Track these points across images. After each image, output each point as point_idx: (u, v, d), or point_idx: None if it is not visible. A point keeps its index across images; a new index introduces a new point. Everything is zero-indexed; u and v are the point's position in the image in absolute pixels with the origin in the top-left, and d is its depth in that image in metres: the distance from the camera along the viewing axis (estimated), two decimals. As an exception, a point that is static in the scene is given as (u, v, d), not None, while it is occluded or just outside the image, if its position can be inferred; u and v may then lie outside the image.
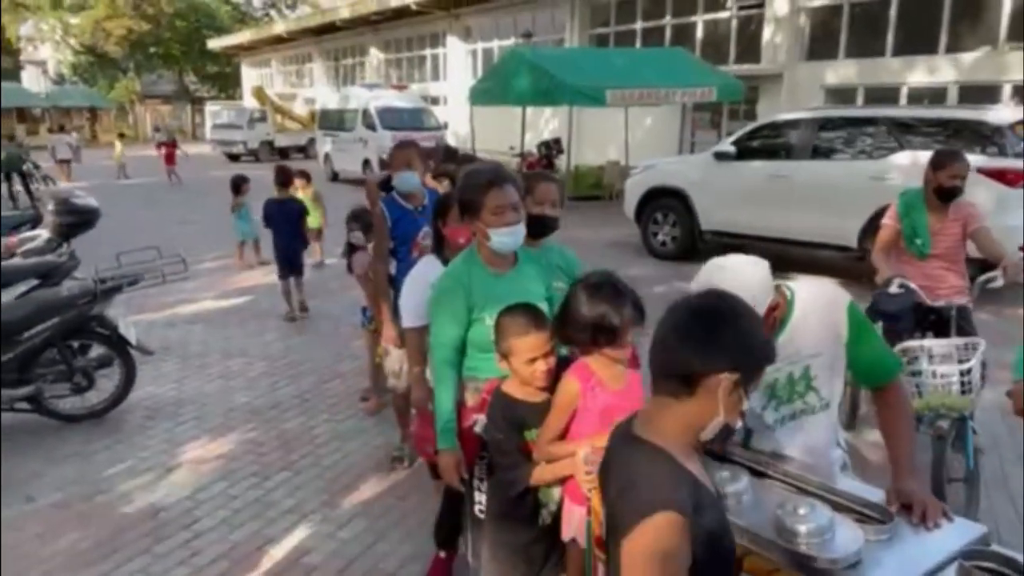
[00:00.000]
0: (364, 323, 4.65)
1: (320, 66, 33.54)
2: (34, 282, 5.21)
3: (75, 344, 4.63)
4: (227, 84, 45.70)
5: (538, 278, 2.70)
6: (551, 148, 15.65)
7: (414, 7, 23.00)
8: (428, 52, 26.13)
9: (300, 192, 8.74)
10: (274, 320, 7.11)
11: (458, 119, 22.41)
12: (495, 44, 22.39)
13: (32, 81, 44.45)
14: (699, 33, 16.81)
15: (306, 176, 9.07)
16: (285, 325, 6.94)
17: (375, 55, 28.94)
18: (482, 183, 2.45)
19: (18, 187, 15.74)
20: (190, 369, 5.73)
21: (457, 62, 24.22)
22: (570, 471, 2.15)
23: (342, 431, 4.62)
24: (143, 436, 4.54)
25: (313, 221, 8.95)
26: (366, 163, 18.38)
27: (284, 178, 7.40)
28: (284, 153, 27.33)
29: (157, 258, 4.88)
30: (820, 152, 8.35)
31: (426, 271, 3.13)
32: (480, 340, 2.51)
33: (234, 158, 26.98)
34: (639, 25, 18.07)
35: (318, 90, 31.82)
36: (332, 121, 20.57)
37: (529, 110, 15.51)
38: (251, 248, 9.49)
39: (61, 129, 21.65)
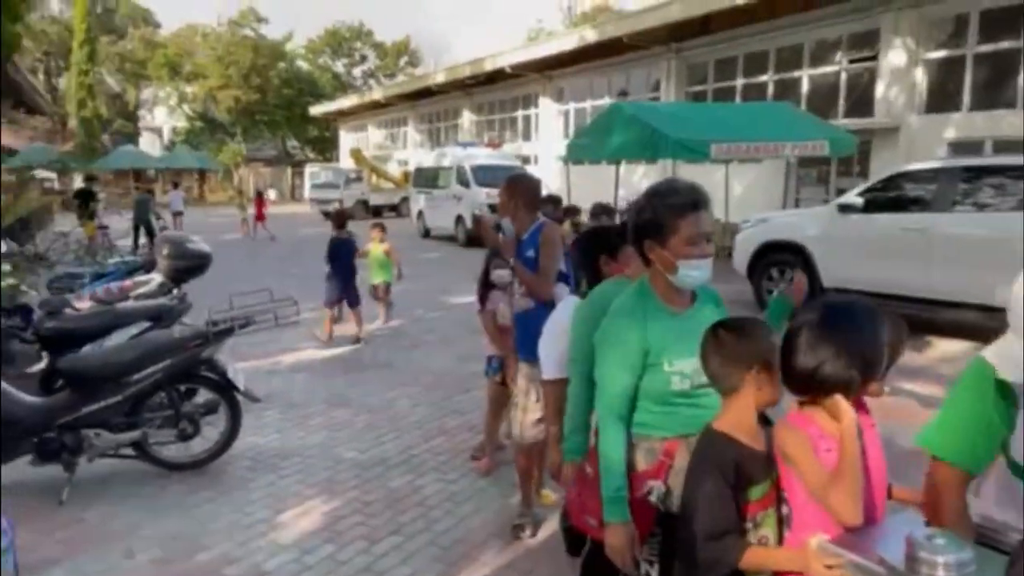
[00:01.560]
0: (489, 372, 4.28)
1: (414, 129, 34.63)
2: (146, 324, 5.14)
3: (182, 388, 4.46)
4: (325, 147, 47.88)
5: (717, 319, 2.28)
6: (649, 204, 15.20)
7: (508, 71, 23.47)
8: (520, 113, 26.50)
9: (375, 245, 8.58)
10: (375, 371, 6.88)
11: (550, 177, 22.46)
12: (588, 104, 22.44)
13: (148, 145, 47.78)
14: (804, 87, 16.26)
15: (381, 228, 8.85)
16: (388, 376, 6.68)
17: (468, 117, 29.61)
18: (681, 204, 2.05)
19: (143, 239, 16.69)
20: (293, 419, 5.49)
21: (549, 122, 24.41)
22: (798, 567, 1.66)
23: (454, 492, 4.21)
24: (245, 490, 4.27)
25: (379, 275, 8.67)
26: (459, 220, 18.51)
27: (340, 220, 8.39)
28: (377, 211, 28.06)
29: (269, 300, 4.71)
30: (963, 203, 7.62)
31: (568, 315, 2.76)
32: (657, 390, 2.08)
33: (329, 216, 27.79)
34: (739, 82, 17.68)
35: (412, 151, 32.80)
36: (426, 179, 20.94)
37: (623, 167, 15.24)
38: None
39: (175, 187, 23.34)
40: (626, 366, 2.09)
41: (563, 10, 51.32)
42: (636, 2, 27.08)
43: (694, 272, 2.07)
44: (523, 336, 3.51)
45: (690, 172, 15.94)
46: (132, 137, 46.48)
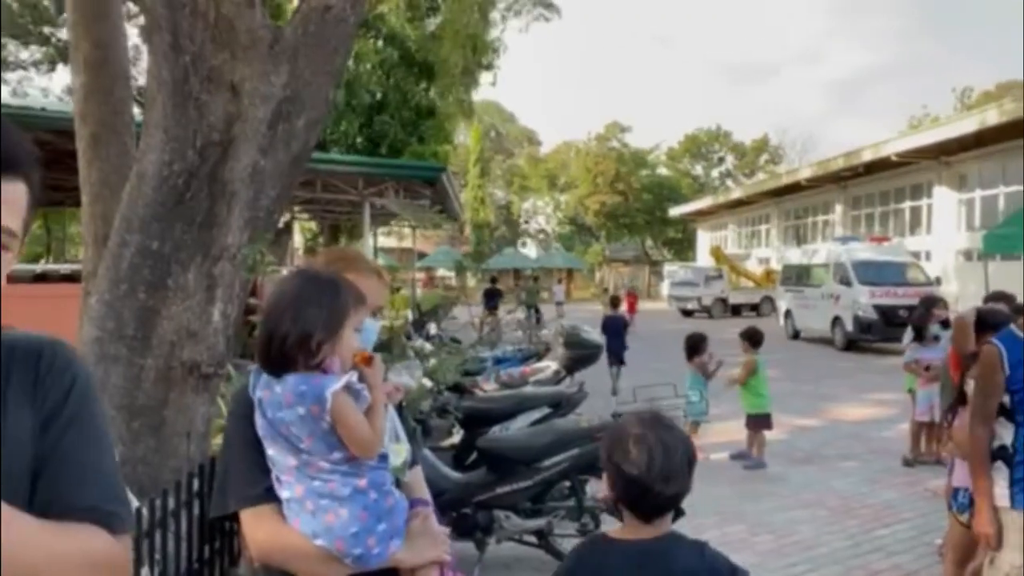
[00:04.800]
0: (958, 509, 3.36)
1: (777, 225, 33.27)
2: (546, 410, 5.24)
3: (584, 479, 4.34)
4: (682, 247, 48.64)
5: None
6: (1110, 307, 12.01)
7: (895, 159, 21.26)
8: (907, 204, 23.73)
9: (748, 352, 6.89)
10: (767, 484, 6.14)
11: (946, 274, 19.45)
12: (999, 191, 19.13)
13: (524, 248, 53.67)
14: None
15: (755, 341, 6.93)
16: (784, 492, 5.89)
17: (840, 211, 27.49)
18: None
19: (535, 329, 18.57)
20: (685, 528, 5.02)
21: (946, 213, 21.34)
22: None
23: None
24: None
25: (754, 402, 6.69)
26: (836, 321, 16.79)
27: (613, 302, 11.43)
28: (736, 310, 27.18)
29: (672, 395, 4.44)
30: None
31: None
32: None
33: (687, 314, 27.71)
34: None
35: (773, 248, 31.46)
36: (795, 277, 19.62)
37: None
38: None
39: (559, 281, 27.25)
40: None
41: (955, 92, 46.07)
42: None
43: None
44: None
45: None
46: (513, 241, 52.67)
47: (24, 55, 17.22)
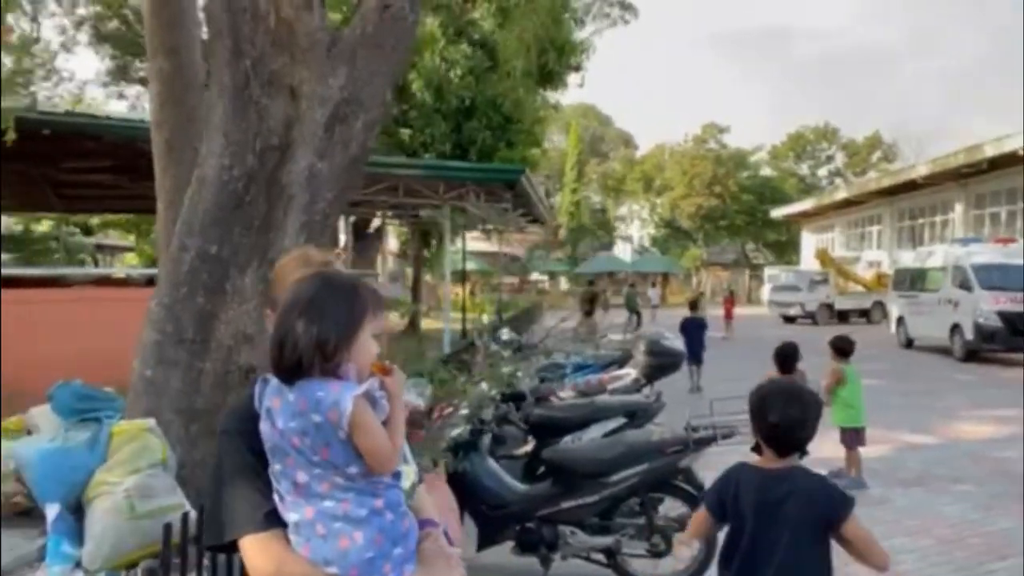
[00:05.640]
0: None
1: (888, 227, 31.32)
2: (622, 420, 5.01)
3: (658, 497, 4.08)
4: (784, 250, 46.62)
5: None
6: None
7: (1022, 154, 19.51)
8: (1037, 203, 21.75)
9: (836, 362, 6.30)
10: (868, 508, 5.56)
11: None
12: None
13: (619, 252, 52.96)
14: None
15: (843, 350, 6.34)
16: (886, 517, 5.37)
17: (960, 211, 25.53)
18: None
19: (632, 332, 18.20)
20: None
21: (1084, 211, 19.40)
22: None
23: None
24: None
25: (842, 415, 6.10)
26: (955, 328, 15.52)
27: (693, 304, 13.03)
28: (843, 316, 25.76)
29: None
30: None
31: None
32: None
33: (789, 320, 26.49)
34: None
35: (885, 251, 29.65)
36: (908, 281, 18.33)
37: None
38: None
39: (653, 285, 28.17)
40: None
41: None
42: None
43: None
44: None
45: None
46: (607, 245, 52.12)
47: (144, 71, 18.44)
